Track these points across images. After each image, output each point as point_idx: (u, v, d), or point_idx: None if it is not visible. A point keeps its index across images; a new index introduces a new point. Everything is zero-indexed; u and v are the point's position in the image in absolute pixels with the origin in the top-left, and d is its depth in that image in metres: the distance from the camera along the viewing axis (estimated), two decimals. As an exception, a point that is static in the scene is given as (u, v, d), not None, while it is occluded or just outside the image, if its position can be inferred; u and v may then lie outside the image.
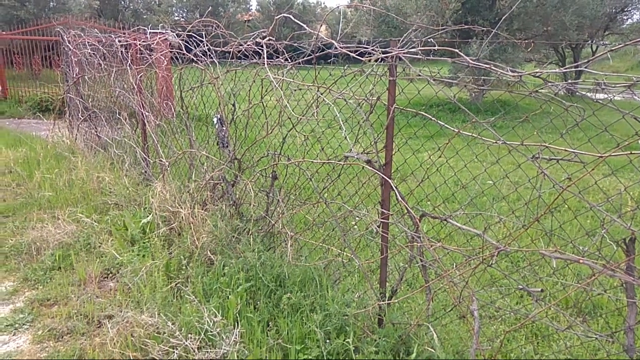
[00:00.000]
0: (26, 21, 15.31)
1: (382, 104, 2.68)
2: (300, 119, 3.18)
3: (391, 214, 2.74)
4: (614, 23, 16.65)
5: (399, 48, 2.49)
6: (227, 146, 6.15)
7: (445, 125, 2.35)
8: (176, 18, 35.85)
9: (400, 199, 2.60)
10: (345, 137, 2.83)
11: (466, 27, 2.45)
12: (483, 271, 2.35)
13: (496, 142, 2.16)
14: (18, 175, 6.27)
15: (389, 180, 2.69)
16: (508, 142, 2.08)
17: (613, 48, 1.97)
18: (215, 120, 7.06)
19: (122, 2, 30.56)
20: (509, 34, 11.84)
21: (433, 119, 2.40)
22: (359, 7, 11.82)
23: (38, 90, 13.04)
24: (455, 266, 2.51)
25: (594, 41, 17.31)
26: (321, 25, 4.00)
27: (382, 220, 2.77)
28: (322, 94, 3.02)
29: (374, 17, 13.81)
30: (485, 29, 3.10)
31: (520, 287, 2.18)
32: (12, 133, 9.06)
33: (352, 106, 2.82)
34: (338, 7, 11.72)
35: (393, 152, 2.69)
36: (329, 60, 3.07)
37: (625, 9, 16.44)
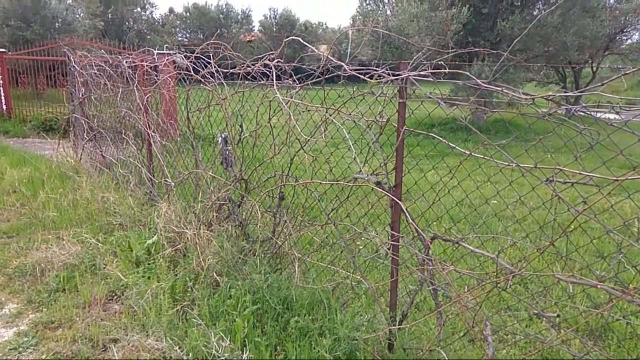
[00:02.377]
0: (32, 41, 15.48)
1: (391, 125, 2.68)
2: (308, 139, 3.18)
3: (401, 236, 2.72)
4: (613, 43, 16.80)
5: (409, 70, 2.50)
6: (231, 166, 6.16)
7: (457, 147, 2.35)
8: (179, 39, 36.30)
9: (410, 221, 2.58)
10: (355, 158, 2.83)
11: (475, 49, 2.46)
12: (497, 295, 2.32)
13: (509, 165, 2.15)
14: (22, 195, 6.26)
15: (400, 202, 2.67)
16: (522, 165, 2.07)
17: (627, 72, 1.97)
18: (219, 139, 7.09)
19: (127, 23, 31.01)
20: (510, 54, 11.94)
21: (444, 140, 2.40)
22: (362, 29, 11.95)
23: (42, 110, 13.12)
24: (468, 290, 2.48)
25: (594, 61, 17.44)
26: (330, 49, 4.01)
27: (392, 242, 2.74)
28: (330, 115, 3.02)
29: (376, 38, 13.95)
30: (489, 50, 3.12)
31: (536, 312, 2.14)
32: (17, 152, 9.08)
33: (362, 127, 2.82)
34: (340, 27, 11.83)
35: (403, 174, 2.68)
36: (338, 82, 3.09)
37: (625, 30, 16.61)
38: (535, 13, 13.97)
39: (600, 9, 12.82)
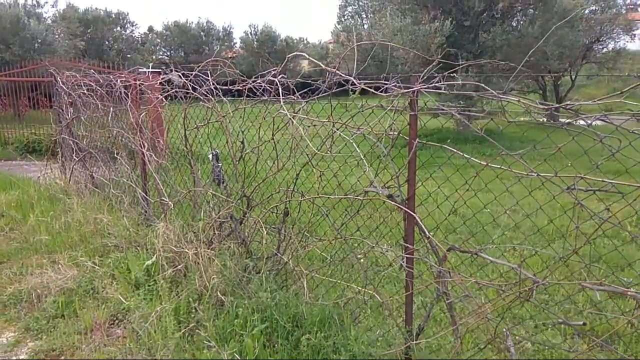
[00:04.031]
0: (11, 63, 15.26)
1: (402, 138, 2.68)
2: (316, 153, 3.16)
3: (416, 249, 2.70)
4: (590, 52, 17.24)
5: (419, 83, 2.51)
6: (223, 182, 6.10)
7: (472, 158, 2.35)
8: (160, 56, 36.18)
9: (426, 233, 2.57)
10: (365, 172, 2.81)
11: (485, 61, 2.48)
12: (520, 305, 2.31)
13: (528, 175, 2.15)
14: (11, 219, 6.10)
15: (414, 214, 2.66)
16: (542, 174, 2.08)
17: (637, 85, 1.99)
18: (210, 156, 7.03)
19: (107, 42, 30.83)
20: (492, 65, 12.15)
21: (459, 152, 2.40)
22: (347, 44, 12.08)
23: (25, 131, 12.88)
24: (489, 301, 2.46)
25: (573, 70, 17.85)
26: (336, 65, 4.00)
27: (406, 255, 2.72)
28: (337, 130, 3.01)
29: (360, 53, 14.06)
30: (483, 61, 3.16)
31: (561, 320, 2.14)
32: (2, 175, 8.87)
33: (371, 141, 2.81)
34: (321, 42, 11.90)
35: (416, 187, 2.67)
36: (343, 96, 3.09)
37: (600, 39, 17.08)
38: (514, 24, 14.29)
39: (579, 19, 13.17)
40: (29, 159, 9.07)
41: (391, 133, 2.72)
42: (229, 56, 34.72)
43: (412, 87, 2.50)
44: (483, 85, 2.23)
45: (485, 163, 2.30)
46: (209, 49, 35.08)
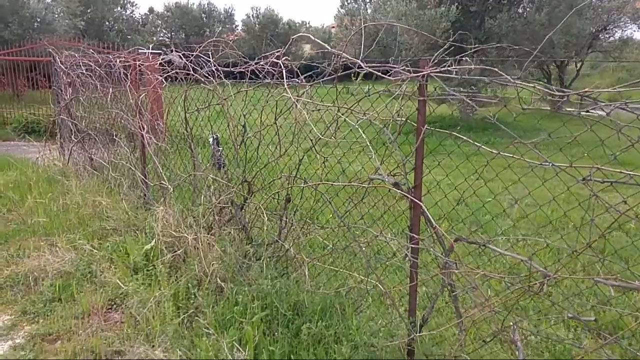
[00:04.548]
0: (10, 42, 15.02)
1: (409, 124, 2.59)
2: (319, 139, 3.08)
3: (422, 239, 2.63)
4: (596, 41, 17.02)
5: (430, 67, 2.41)
6: (223, 166, 6.01)
7: (483, 146, 2.26)
8: (161, 38, 35.83)
9: (432, 223, 2.49)
10: (370, 158, 2.73)
11: (498, 45, 2.38)
12: (530, 299, 2.24)
13: (541, 165, 2.07)
14: (9, 200, 6.02)
15: (420, 203, 2.58)
16: (557, 164, 1.99)
17: None
18: (211, 140, 6.93)
19: (107, 23, 30.46)
20: (498, 52, 11.99)
21: (469, 139, 2.31)
22: (350, 27, 11.88)
23: (23, 112, 12.75)
24: (496, 294, 2.41)
25: (579, 59, 17.65)
26: (342, 48, 3.88)
27: (411, 245, 2.65)
28: (342, 115, 2.92)
29: (364, 37, 13.86)
30: (494, 45, 3.05)
31: (571, 315, 2.07)
32: (0, 156, 8.77)
33: (378, 127, 2.72)
34: (324, 26, 11.74)
35: (423, 175, 2.59)
36: (347, 80, 2.99)
37: (607, 28, 16.84)
38: (520, 11, 14.07)
39: (587, 7, 12.96)
40: (28, 139, 8.97)
41: (398, 119, 2.62)
42: (231, 39, 34.38)
43: (422, 71, 2.40)
44: (497, 69, 2.13)
45: (496, 151, 2.21)
46: (210, 31, 34.72)
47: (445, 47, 2.28)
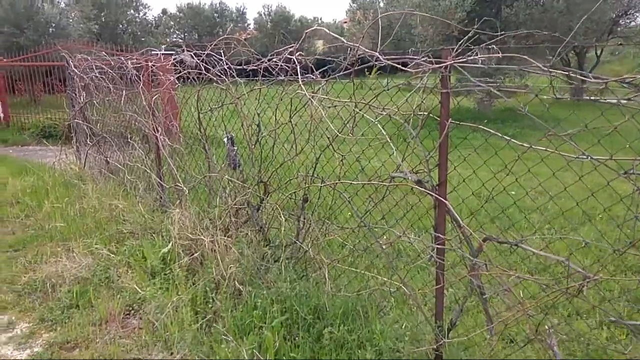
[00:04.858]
0: (26, 48, 15.17)
1: (430, 118, 2.45)
2: (336, 137, 2.96)
3: (448, 239, 2.50)
4: (616, 27, 16.54)
5: (453, 57, 2.27)
6: (238, 166, 5.92)
7: (514, 140, 2.12)
8: (174, 39, 35.97)
9: (459, 222, 2.36)
10: (390, 155, 2.60)
11: (527, 31, 2.23)
12: (569, 302, 2.10)
13: (578, 158, 1.92)
14: (26, 205, 6.03)
15: (445, 201, 2.45)
16: (596, 157, 1.84)
17: None
18: (225, 140, 6.85)
19: (120, 26, 30.65)
20: (516, 41, 11.68)
21: (498, 133, 2.17)
22: (362, 22, 11.70)
23: (40, 117, 12.86)
24: (530, 297, 2.27)
25: (599, 45, 17.19)
26: (359, 40, 3.74)
27: (437, 245, 2.52)
28: (360, 110, 2.79)
29: (375, 31, 13.69)
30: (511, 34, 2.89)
31: (613, 319, 1.93)
32: (18, 161, 8.84)
33: (398, 122, 2.59)
34: (336, 21, 11.60)
35: (448, 171, 2.45)
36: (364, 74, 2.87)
37: (628, 12, 16.36)
38: (537, -1, 13.72)
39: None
40: (44, 144, 9.01)
41: (420, 113, 2.49)
42: (243, 37, 34.37)
43: (445, 62, 2.26)
44: (527, 57, 1.99)
45: (527, 144, 2.07)
46: (222, 31, 34.75)
47: (470, 35, 2.13)
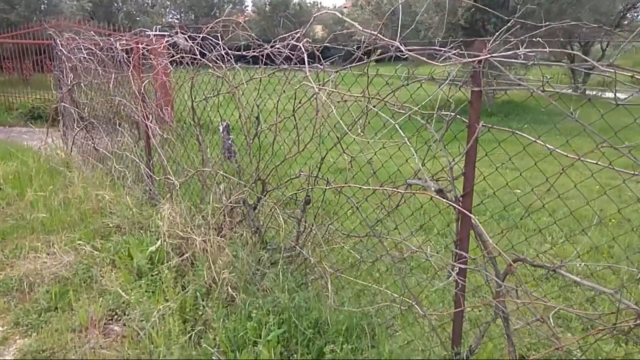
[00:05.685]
0: (16, 24, 14.61)
1: (461, 120, 2.14)
2: (345, 134, 2.64)
3: (472, 258, 2.20)
4: (624, 20, 16.20)
5: (488, 50, 1.95)
6: (234, 156, 5.60)
7: (557, 149, 1.81)
8: (170, 20, 35.24)
9: (486, 239, 2.06)
10: (407, 159, 2.29)
11: (559, 23, 1.92)
12: (615, 343, 1.82)
13: (635, 174, 1.62)
14: (8, 193, 5.67)
15: (470, 215, 2.15)
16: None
17: None
18: (220, 128, 6.51)
19: (115, 4, 29.89)
20: (524, 32, 11.32)
21: (539, 141, 1.86)
22: (365, 7, 11.30)
23: (30, 97, 12.40)
24: (567, 330, 1.98)
25: (606, 39, 16.84)
26: (379, 29, 3.41)
27: (459, 265, 2.23)
28: (374, 107, 2.47)
29: (379, 17, 13.28)
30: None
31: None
32: (1, 144, 8.43)
33: (418, 122, 2.27)
34: (336, 6, 11.19)
35: (475, 182, 2.15)
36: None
37: (636, 6, 16.00)
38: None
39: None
40: (31, 126, 8.62)
41: (444, 113, 2.18)
42: (240, 20, 33.72)
43: (480, 55, 1.94)
44: (578, 53, 1.67)
45: (573, 156, 1.76)
46: (220, 12, 34.05)
47: (510, 23, 1.82)
